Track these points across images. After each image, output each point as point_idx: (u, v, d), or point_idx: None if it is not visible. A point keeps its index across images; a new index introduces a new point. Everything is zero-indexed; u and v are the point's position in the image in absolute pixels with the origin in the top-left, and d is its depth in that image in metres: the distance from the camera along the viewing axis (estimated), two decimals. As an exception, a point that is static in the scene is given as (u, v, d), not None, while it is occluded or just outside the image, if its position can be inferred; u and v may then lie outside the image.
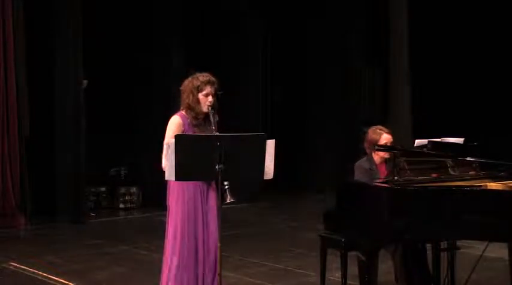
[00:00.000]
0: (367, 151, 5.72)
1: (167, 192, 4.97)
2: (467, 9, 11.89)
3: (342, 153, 12.35)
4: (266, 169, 4.48)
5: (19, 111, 9.48)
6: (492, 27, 11.71)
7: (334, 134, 12.56)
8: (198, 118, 4.90)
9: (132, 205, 11.01)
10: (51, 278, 6.65)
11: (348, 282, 5.40)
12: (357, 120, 12.68)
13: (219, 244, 4.50)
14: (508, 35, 11.52)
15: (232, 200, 4.68)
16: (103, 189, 11.04)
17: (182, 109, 4.95)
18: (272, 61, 13.52)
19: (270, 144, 4.46)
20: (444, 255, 5.40)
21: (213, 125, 4.81)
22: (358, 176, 5.62)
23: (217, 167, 4.37)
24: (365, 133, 5.79)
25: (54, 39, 10.02)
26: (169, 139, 4.76)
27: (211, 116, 4.84)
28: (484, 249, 5.28)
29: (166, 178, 4.46)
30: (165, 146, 4.63)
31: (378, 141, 5.61)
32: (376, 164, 5.63)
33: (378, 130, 5.70)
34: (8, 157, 9.36)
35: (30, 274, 6.85)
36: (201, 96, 4.87)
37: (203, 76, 4.92)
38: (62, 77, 9.95)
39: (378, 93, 13.83)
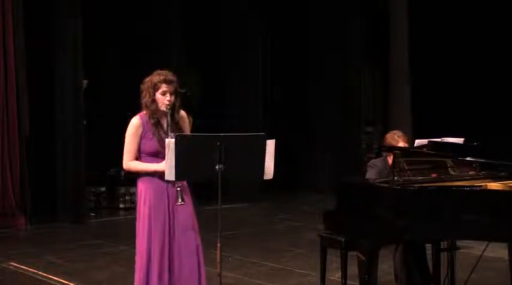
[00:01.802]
0: (383, 153, 5.73)
1: (136, 196, 4.85)
2: (467, 9, 11.89)
3: (342, 153, 12.37)
4: (266, 169, 4.48)
5: (19, 111, 9.47)
6: (492, 27, 11.70)
7: (334, 134, 12.56)
8: (154, 117, 4.73)
9: (132, 205, 10.98)
10: (51, 278, 6.66)
11: (348, 282, 5.40)
12: (357, 120, 12.70)
13: (219, 244, 4.50)
14: (508, 35, 11.52)
15: (182, 203, 4.62)
16: (103, 189, 11.03)
17: (143, 109, 4.82)
18: (272, 61, 13.52)
19: (270, 144, 4.46)
20: (444, 255, 5.40)
21: (166, 127, 4.67)
22: (371, 172, 5.60)
23: (217, 167, 4.37)
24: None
25: (54, 39, 10.02)
26: (128, 143, 4.73)
27: (168, 116, 4.68)
28: (484, 249, 5.29)
29: (166, 178, 4.46)
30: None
31: None
32: (390, 167, 5.60)
33: (396, 137, 5.65)
34: (8, 157, 9.35)
35: (30, 274, 6.85)
36: (158, 95, 4.71)
37: (159, 75, 4.76)
38: (62, 77, 9.95)
39: (378, 93, 13.84)
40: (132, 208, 10.93)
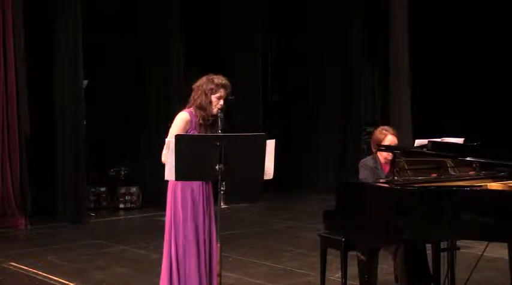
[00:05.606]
0: (373, 150, 5.73)
1: (168, 190, 4.95)
2: (467, 9, 11.91)
3: (342, 153, 12.37)
4: (266, 169, 4.48)
5: (19, 111, 9.47)
6: (492, 27, 11.72)
7: (334, 134, 12.56)
8: (206, 119, 4.89)
9: (132, 205, 11.01)
10: (51, 278, 6.65)
11: (348, 282, 5.40)
12: (357, 120, 12.69)
13: (219, 244, 4.51)
14: (508, 35, 11.53)
15: (225, 206, 4.70)
16: (103, 189, 11.04)
17: (190, 107, 4.94)
18: (272, 61, 13.52)
19: (270, 144, 4.46)
20: (444, 255, 5.40)
21: (219, 128, 4.78)
22: (363, 173, 5.61)
23: (217, 167, 4.37)
24: (368, 133, 5.80)
25: (54, 39, 10.01)
26: (173, 135, 4.75)
27: (219, 119, 4.82)
28: (484, 249, 5.29)
29: (166, 178, 4.47)
30: (166, 142, 4.60)
31: (382, 141, 5.60)
32: (381, 164, 5.62)
33: (384, 131, 5.68)
34: (8, 157, 9.35)
35: (30, 274, 6.85)
36: (213, 98, 4.87)
37: (219, 79, 4.92)
38: (62, 77, 9.95)
39: (378, 93, 13.84)
40: (132, 208, 10.95)
